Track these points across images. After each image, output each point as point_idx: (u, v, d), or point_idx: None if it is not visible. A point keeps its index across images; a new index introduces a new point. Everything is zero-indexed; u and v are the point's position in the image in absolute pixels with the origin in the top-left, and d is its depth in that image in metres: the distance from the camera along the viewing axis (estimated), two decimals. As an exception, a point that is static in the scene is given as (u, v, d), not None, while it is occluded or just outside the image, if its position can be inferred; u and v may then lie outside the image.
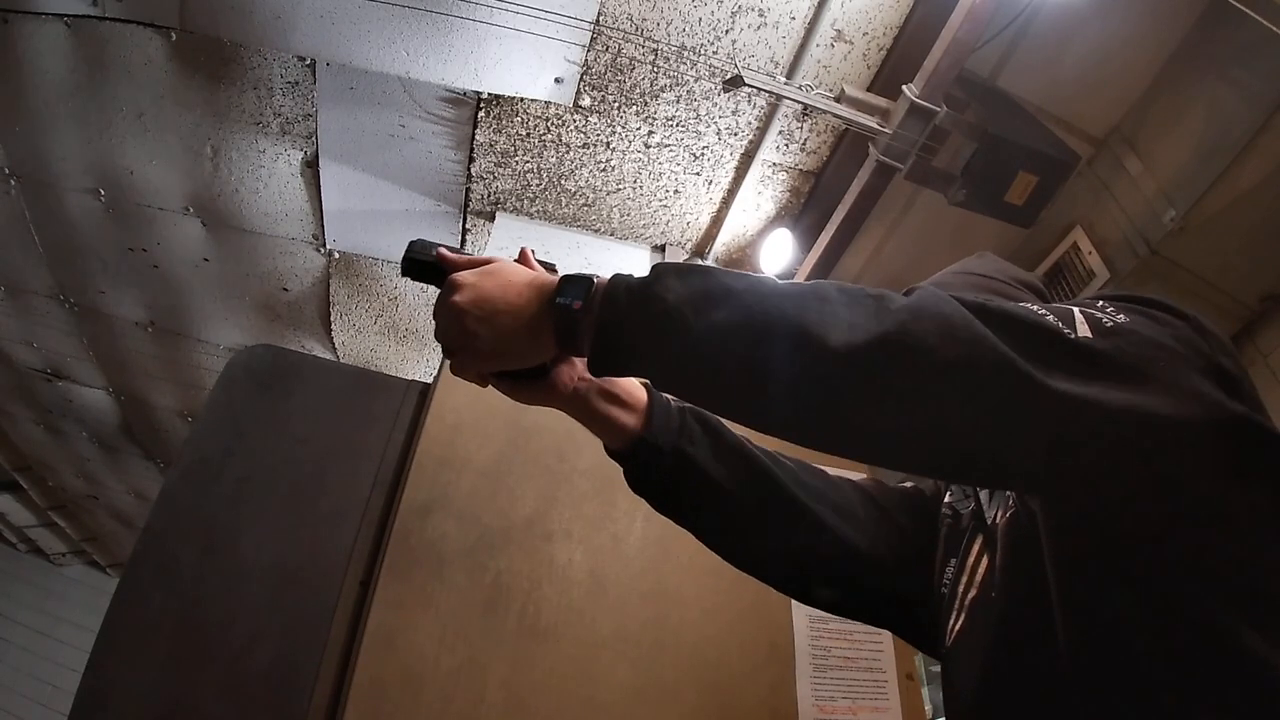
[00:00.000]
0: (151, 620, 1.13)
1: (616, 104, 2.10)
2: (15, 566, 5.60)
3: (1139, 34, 2.01)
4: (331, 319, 2.81)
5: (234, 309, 2.85)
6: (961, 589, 0.77)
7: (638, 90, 2.07)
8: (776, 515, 0.81)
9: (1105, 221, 2.15)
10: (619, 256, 2.48)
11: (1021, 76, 2.07)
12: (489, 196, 2.36)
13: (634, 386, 0.80)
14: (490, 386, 0.75)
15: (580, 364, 0.76)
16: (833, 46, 1.98)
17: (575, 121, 2.15)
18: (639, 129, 2.16)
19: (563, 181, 2.31)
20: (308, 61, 2.04)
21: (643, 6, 1.90)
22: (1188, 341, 0.57)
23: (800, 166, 2.28)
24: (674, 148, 2.21)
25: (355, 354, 2.97)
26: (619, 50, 1.98)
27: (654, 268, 0.63)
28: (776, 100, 2.05)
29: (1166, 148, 2.03)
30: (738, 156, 2.24)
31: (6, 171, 2.45)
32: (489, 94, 2.06)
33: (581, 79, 2.03)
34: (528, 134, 2.18)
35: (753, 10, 1.91)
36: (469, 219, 2.42)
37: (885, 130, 1.84)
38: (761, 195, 2.35)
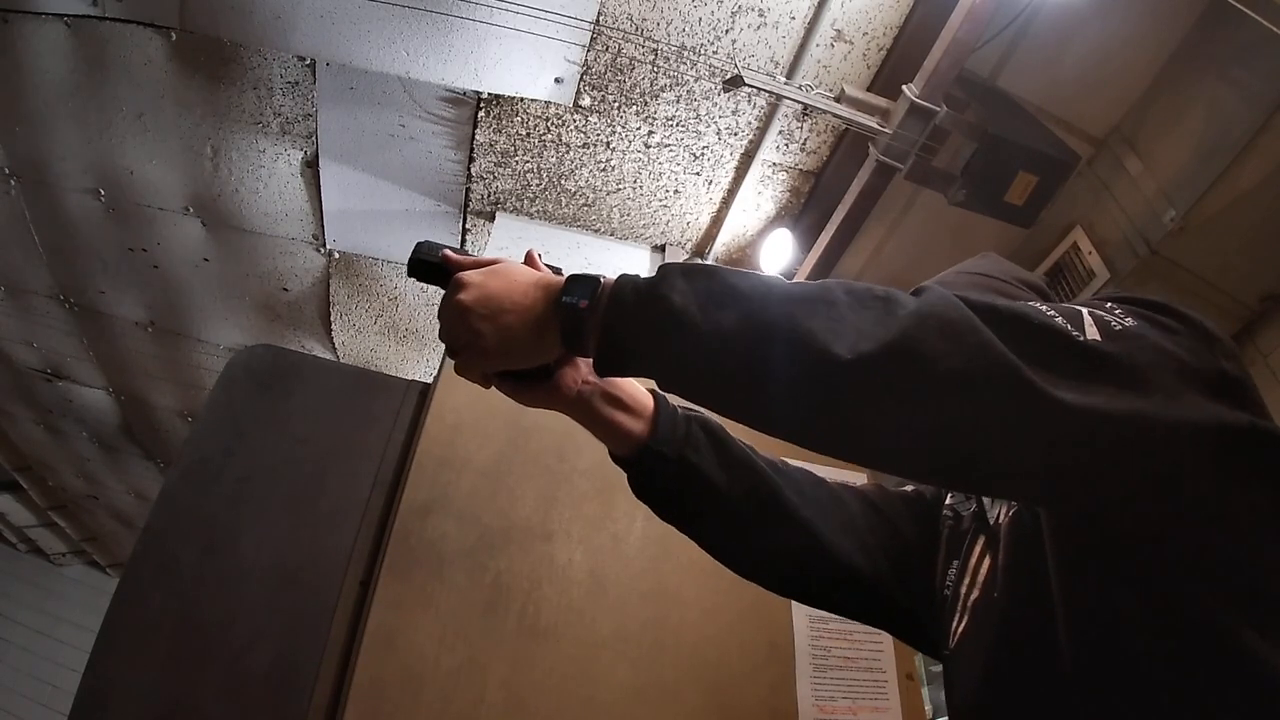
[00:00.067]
0: (151, 620, 1.13)
1: (616, 104, 2.10)
2: (15, 566, 5.60)
3: (1139, 34, 2.01)
4: (331, 319, 2.81)
5: (234, 309, 2.85)
6: (964, 590, 0.77)
7: (638, 90, 2.07)
8: (777, 528, 0.81)
9: (1105, 221, 2.15)
10: (619, 256, 2.48)
11: (1021, 76, 2.07)
12: (489, 196, 2.36)
13: (638, 391, 0.79)
14: (493, 387, 0.74)
15: (584, 367, 0.76)
16: (833, 46, 1.98)
17: (575, 121, 2.15)
18: (639, 129, 2.16)
19: (563, 181, 2.31)
20: (308, 61, 2.04)
21: (643, 6, 1.90)
22: (1191, 347, 0.57)
23: (800, 166, 2.28)
24: (674, 148, 2.21)
25: (355, 354, 2.97)
26: (619, 50, 1.98)
27: (661, 268, 0.63)
28: (776, 100, 2.05)
29: (1166, 148, 2.03)
30: (738, 156, 2.24)
31: (6, 171, 2.45)
32: (489, 94, 2.06)
33: (581, 79, 2.03)
34: (528, 134, 2.18)
35: (753, 10, 1.91)
36: (469, 219, 2.41)
37: (885, 130, 1.84)
38: (761, 195, 2.35)
